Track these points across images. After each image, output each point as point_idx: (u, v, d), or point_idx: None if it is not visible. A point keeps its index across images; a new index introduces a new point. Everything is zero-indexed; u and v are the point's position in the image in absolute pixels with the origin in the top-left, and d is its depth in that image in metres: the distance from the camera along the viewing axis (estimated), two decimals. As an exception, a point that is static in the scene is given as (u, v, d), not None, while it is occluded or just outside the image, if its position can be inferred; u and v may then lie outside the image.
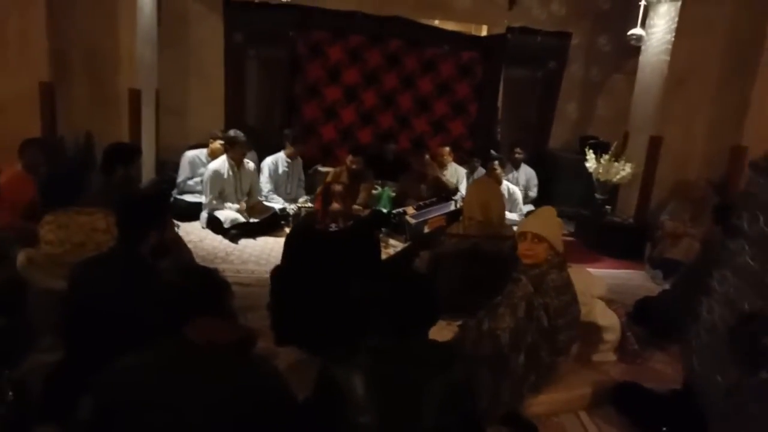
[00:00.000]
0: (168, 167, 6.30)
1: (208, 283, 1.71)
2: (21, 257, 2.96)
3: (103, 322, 2.14)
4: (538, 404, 2.73)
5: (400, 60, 7.03)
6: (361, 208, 5.55)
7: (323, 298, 3.04)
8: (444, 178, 6.06)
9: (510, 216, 5.41)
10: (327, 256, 3.22)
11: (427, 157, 6.19)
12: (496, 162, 5.89)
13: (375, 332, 1.73)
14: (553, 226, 2.69)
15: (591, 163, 5.89)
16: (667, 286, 4.38)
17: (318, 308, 3.03)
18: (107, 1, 5.30)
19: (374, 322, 1.75)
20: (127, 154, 3.74)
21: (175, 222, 4.02)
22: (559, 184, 7.02)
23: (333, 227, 3.44)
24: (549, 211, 2.81)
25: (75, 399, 1.69)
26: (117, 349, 1.57)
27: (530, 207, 6.27)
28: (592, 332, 3.17)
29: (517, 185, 6.46)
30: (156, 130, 6.14)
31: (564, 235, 6.02)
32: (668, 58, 5.65)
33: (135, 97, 5.52)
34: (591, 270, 4.13)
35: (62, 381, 2.30)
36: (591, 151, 5.94)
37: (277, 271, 3.45)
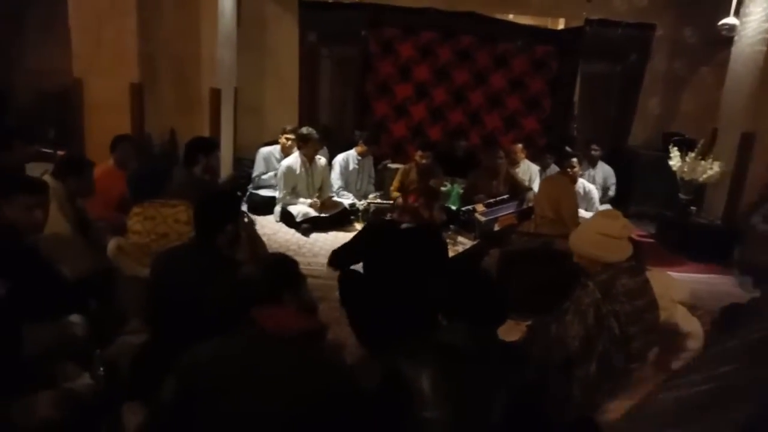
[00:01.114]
0: (244, 163, 6.56)
1: (285, 271, 1.76)
2: (111, 246, 3.17)
3: (182, 309, 2.27)
4: (612, 411, 2.61)
5: (472, 56, 6.94)
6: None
7: (391, 293, 3.07)
8: (517, 176, 5.93)
9: (585, 215, 5.22)
10: (395, 253, 3.24)
11: (500, 153, 6.08)
12: (574, 159, 5.69)
13: (442, 329, 1.72)
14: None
15: (675, 161, 5.58)
16: (757, 294, 4.07)
17: (385, 304, 3.06)
18: (191, 7, 5.59)
19: (441, 318, 1.74)
20: (207, 146, 3.95)
21: (249, 216, 4.18)
22: (639, 183, 6.68)
23: (404, 225, 3.43)
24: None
25: (158, 379, 1.80)
26: (196, 334, 1.66)
27: (608, 206, 6.02)
28: (673, 339, 3.00)
29: (594, 183, 6.22)
30: (234, 128, 6.41)
31: (643, 236, 5.75)
32: (765, 48, 5.24)
33: (215, 96, 5.78)
34: (673, 274, 3.90)
35: (147, 361, 2.46)
36: (675, 148, 5.62)
37: (343, 276, 3.54)
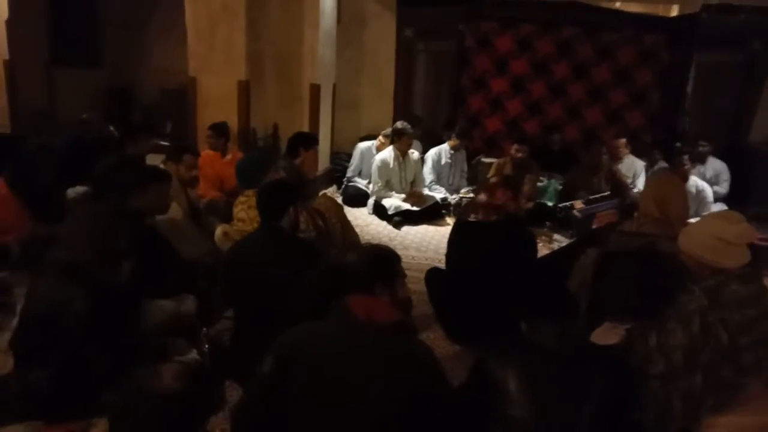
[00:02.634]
0: (341, 157, 6.76)
1: (384, 263, 1.81)
2: (218, 232, 3.42)
3: (254, 290, 2.45)
4: (718, 426, 2.43)
5: (573, 47, 6.66)
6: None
7: (478, 290, 3.05)
8: (619, 172, 5.62)
9: (694, 217, 4.85)
10: (482, 250, 3.21)
11: (603, 148, 5.79)
12: (686, 156, 5.30)
13: (530, 328, 1.69)
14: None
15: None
16: None
17: (473, 300, 3.05)
18: (295, 6, 5.84)
19: (529, 316, 1.72)
20: (307, 140, 4.13)
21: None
22: (760, 182, 6.09)
23: (472, 217, 3.42)
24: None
25: (247, 357, 1.91)
26: (273, 314, 1.73)
27: (722, 206, 5.55)
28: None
29: (704, 180, 5.76)
30: (332, 123, 6.62)
31: (761, 239, 5.23)
32: None
33: (315, 92, 6.01)
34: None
35: (235, 340, 2.65)
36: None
37: (430, 272, 3.58)
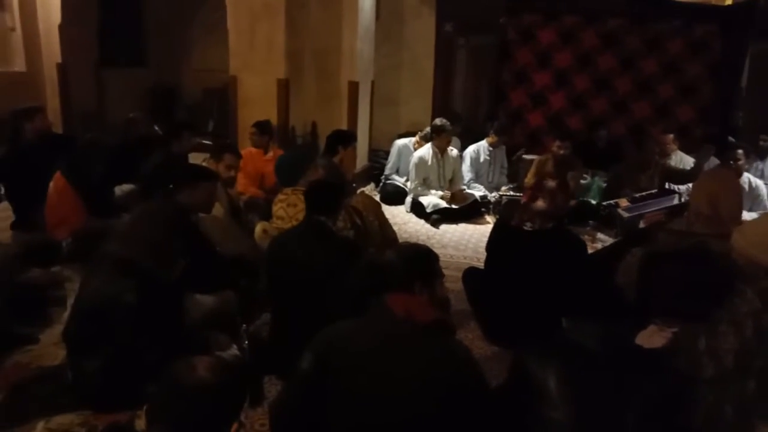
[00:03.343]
0: (379, 154, 6.76)
1: (423, 262, 1.80)
2: (258, 229, 3.47)
3: (295, 285, 2.48)
4: (773, 435, 2.32)
5: (619, 39, 6.46)
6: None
7: (520, 291, 3.00)
8: (671, 168, 5.40)
9: (749, 215, 4.64)
10: (523, 255, 3.14)
11: (653, 144, 5.59)
12: (739, 151, 5.06)
13: (572, 328, 1.65)
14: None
15: None
16: None
17: (514, 301, 3.00)
18: (334, 4, 5.87)
19: (571, 317, 1.67)
20: (346, 138, 4.15)
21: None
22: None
23: (527, 226, 3.27)
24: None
25: (289, 352, 1.92)
26: (313, 310, 1.74)
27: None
28: None
29: (762, 178, 5.49)
30: (370, 120, 6.63)
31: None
32: None
33: (353, 89, 6.03)
34: None
35: (274, 336, 2.68)
36: None
37: (468, 272, 3.55)
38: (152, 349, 2.06)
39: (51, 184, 3.69)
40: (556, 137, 5.54)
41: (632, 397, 1.53)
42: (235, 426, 1.29)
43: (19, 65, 7.00)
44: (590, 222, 5.23)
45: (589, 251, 3.92)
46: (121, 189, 4.05)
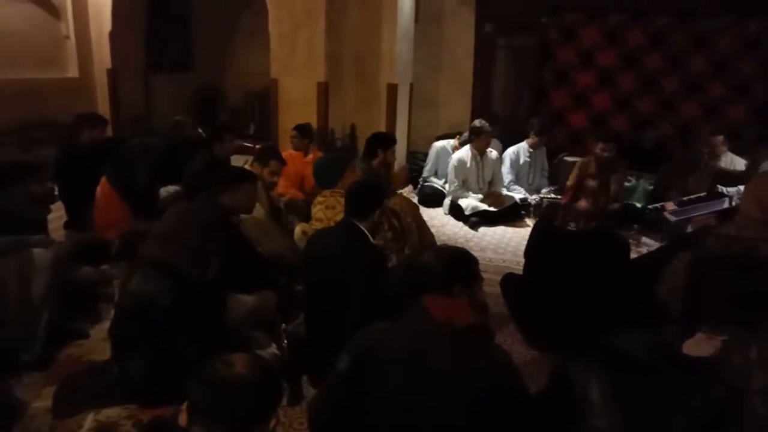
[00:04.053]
0: (417, 157, 6.76)
1: (462, 265, 1.78)
2: (297, 230, 3.52)
3: (330, 285, 2.49)
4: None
5: (667, 38, 6.27)
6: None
7: (562, 296, 2.94)
8: (721, 171, 5.20)
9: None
10: (565, 256, 3.08)
11: (703, 146, 5.39)
12: (795, 153, 4.84)
13: (615, 334, 1.61)
14: None
15: None
16: None
17: (556, 306, 2.94)
18: (373, 6, 5.90)
19: (614, 322, 1.63)
20: (386, 141, 4.15)
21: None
22: None
23: (572, 226, 3.22)
24: None
25: (321, 352, 1.94)
26: (347, 311, 1.73)
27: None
28: None
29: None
30: (408, 122, 6.64)
31: None
32: None
33: (392, 91, 6.04)
34: None
35: (308, 336, 2.71)
36: None
37: (506, 277, 3.52)
38: (192, 347, 2.11)
39: (98, 189, 3.85)
40: (599, 139, 5.41)
41: (679, 408, 1.48)
42: (273, 422, 1.31)
43: (72, 71, 7.31)
44: (635, 226, 5.09)
45: (634, 256, 3.82)
46: (167, 190, 4.18)
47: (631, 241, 4.72)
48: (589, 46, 6.49)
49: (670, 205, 4.88)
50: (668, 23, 6.22)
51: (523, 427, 1.60)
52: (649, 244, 4.79)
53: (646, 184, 5.43)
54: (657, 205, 5.04)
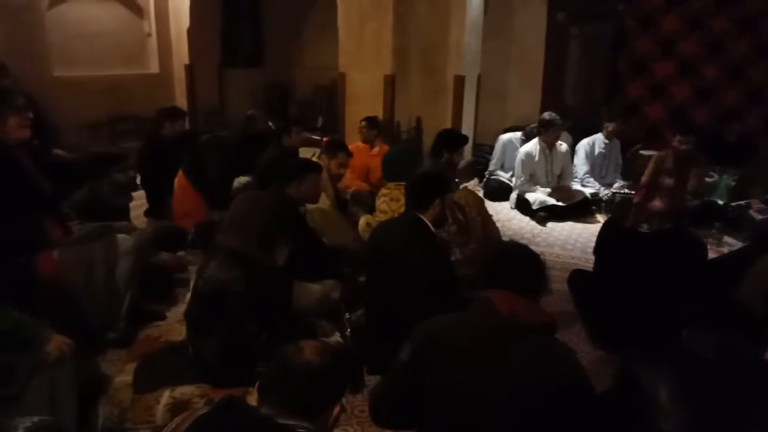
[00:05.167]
0: (484, 149, 6.66)
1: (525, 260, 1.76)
2: (362, 222, 3.57)
3: (386, 275, 2.50)
4: None
5: (757, 23, 5.83)
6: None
7: (632, 296, 2.83)
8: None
9: None
10: (636, 258, 2.95)
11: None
12: None
13: (688, 336, 1.53)
14: None
15: None
16: None
17: (625, 306, 2.84)
18: (441, 0, 5.85)
19: (689, 325, 1.55)
20: (454, 142, 4.07)
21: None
22: None
23: (644, 227, 3.06)
24: None
25: (381, 342, 1.96)
26: (407, 302, 1.71)
27: None
28: None
29: None
30: (475, 114, 6.55)
31: None
32: None
33: (459, 83, 5.98)
34: None
35: (369, 327, 2.75)
36: None
37: (574, 274, 3.42)
38: (261, 331, 2.20)
39: (176, 180, 4.07)
40: (677, 131, 5.12)
41: (756, 418, 1.40)
42: (337, 408, 1.35)
43: (154, 67, 7.73)
44: (716, 224, 4.80)
45: (714, 255, 3.62)
46: (239, 182, 4.35)
47: (711, 240, 4.48)
48: (669, 33, 6.15)
49: (757, 203, 4.59)
50: (758, 8, 5.78)
51: (587, 427, 1.56)
52: (731, 244, 4.51)
53: (729, 180, 5.11)
54: (741, 202, 4.74)
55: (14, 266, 2.56)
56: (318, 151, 4.10)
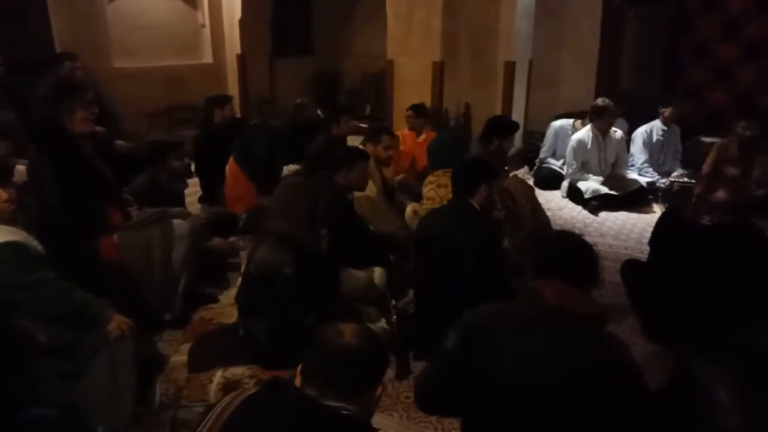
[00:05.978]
0: (535, 137, 6.50)
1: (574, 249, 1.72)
2: (408, 209, 3.58)
3: (439, 263, 2.48)
4: None
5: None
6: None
7: (690, 289, 2.72)
8: None
9: None
10: (695, 250, 2.82)
11: None
12: None
13: (747, 329, 1.46)
14: None
15: None
16: None
17: (683, 299, 2.73)
18: (492, -17, 5.73)
19: (750, 319, 1.48)
20: (504, 129, 4.01)
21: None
22: None
23: (705, 219, 2.90)
24: None
25: (429, 327, 1.95)
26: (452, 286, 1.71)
27: None
28: None
29: None
30: (526, 100, 6.40)
31: None
32: None
33: (509, 68, 5.86)
34: None
35: (418, 312, 2.75)
36: None
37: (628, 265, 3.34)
38: (309, 315, 2.24)
39: (227, 167, 4.17)
40: (741, 117, 4.85)
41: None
42: (380, 390, 1.37)
43: (207, 57, 7.93)
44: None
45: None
46: (288, 170, 4.42)
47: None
48: (735, 13, 5.81)
49: (832, 194, 4.29)
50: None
51: (640, 422, 1.52)
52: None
53: (799, 169, 4.80)
54: (814, 193, 4.45)
55: (80, 250, 2.70)
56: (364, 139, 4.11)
